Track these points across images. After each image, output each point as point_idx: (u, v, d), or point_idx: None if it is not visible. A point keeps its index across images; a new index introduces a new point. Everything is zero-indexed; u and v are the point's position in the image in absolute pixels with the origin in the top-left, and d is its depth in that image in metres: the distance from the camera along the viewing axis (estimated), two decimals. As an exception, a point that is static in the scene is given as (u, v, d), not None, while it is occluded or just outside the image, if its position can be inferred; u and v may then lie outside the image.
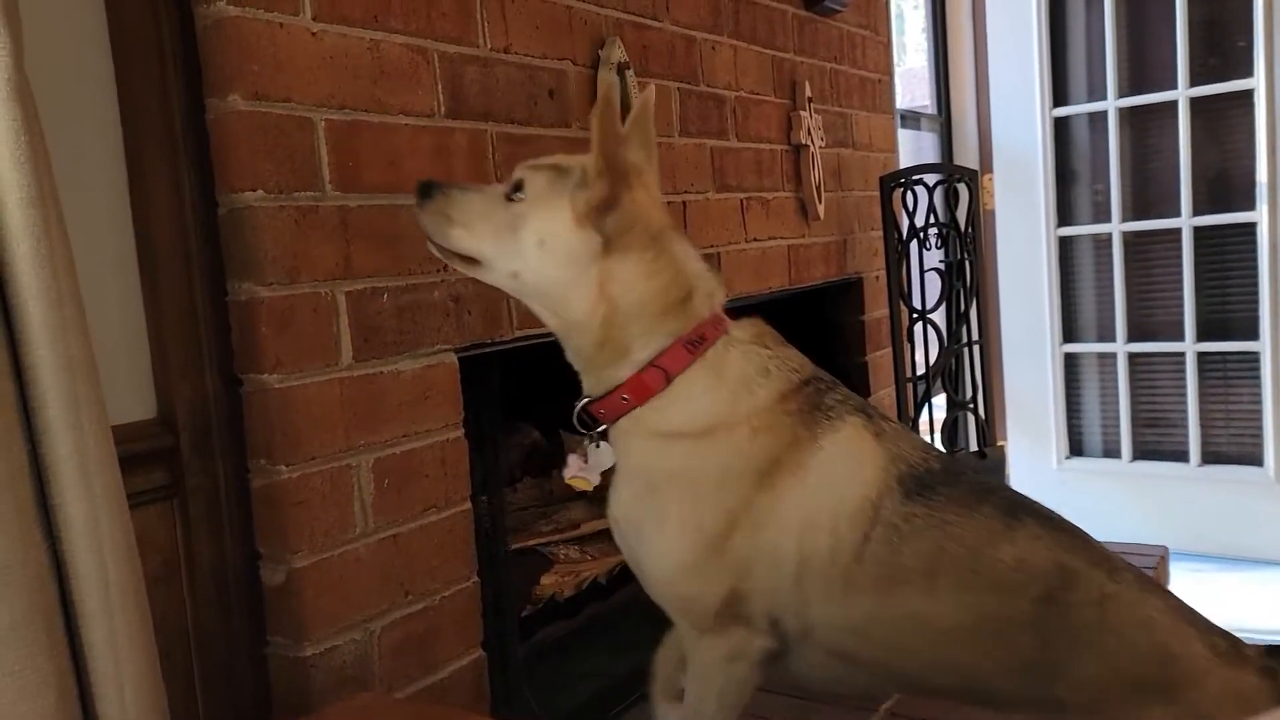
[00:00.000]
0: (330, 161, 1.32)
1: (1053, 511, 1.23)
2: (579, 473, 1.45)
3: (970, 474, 1.24)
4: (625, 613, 2.02)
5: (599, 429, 1.23)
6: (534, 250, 1.18)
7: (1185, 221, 3.27)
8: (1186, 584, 1.14)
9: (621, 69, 1.81)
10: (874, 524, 1.16)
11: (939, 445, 2.71)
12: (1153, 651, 1.11)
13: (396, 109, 1.41)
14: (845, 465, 1.18)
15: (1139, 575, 1.18)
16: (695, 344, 1.19)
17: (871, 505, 1.16)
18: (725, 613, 1.19)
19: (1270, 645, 1.16)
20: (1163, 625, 1.12)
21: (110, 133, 1.22)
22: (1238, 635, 1.17)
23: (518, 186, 1.20)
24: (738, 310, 1.26)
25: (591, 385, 1.23)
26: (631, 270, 1.18)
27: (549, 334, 1.67)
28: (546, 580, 1.88)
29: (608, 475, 1.28)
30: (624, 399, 1.19)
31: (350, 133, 1.35)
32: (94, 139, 1.21)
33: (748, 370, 1.20)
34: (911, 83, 4.54)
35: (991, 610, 1.15)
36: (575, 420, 1.24)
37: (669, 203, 1.94)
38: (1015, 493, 1.26)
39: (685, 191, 2.00)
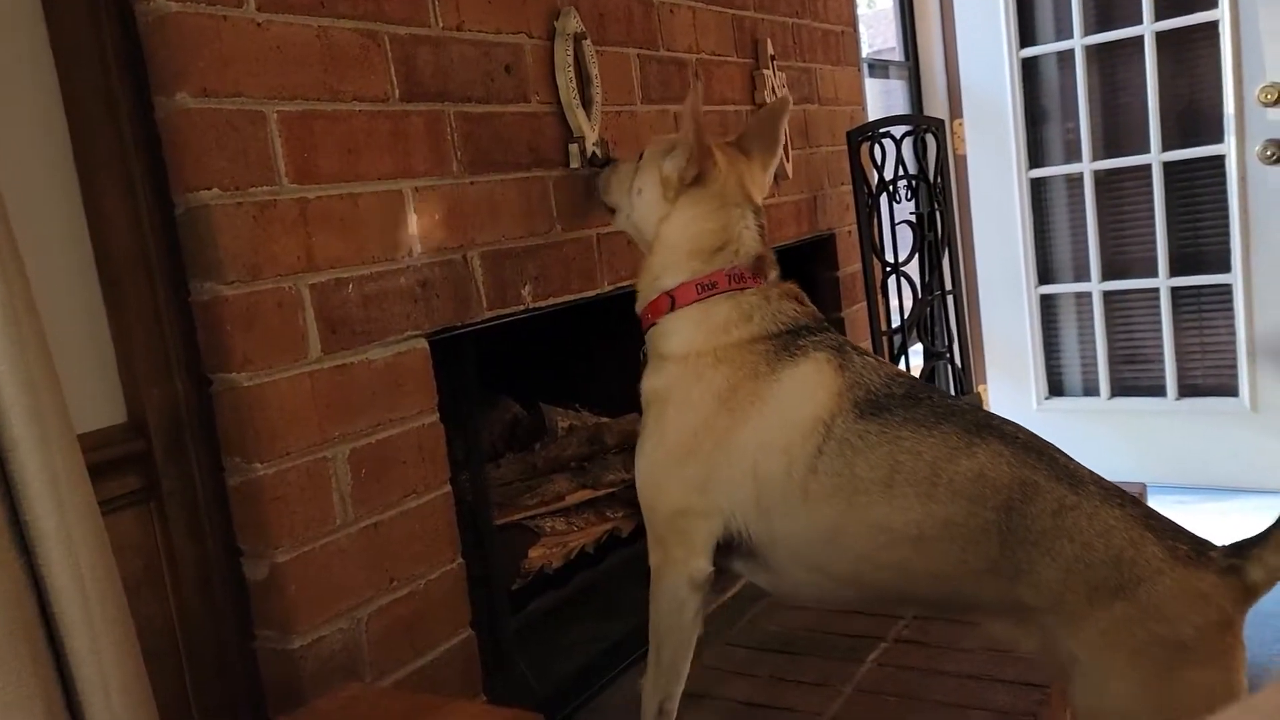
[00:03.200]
0: (285, 154, 1.31)
1: (1024, 430, 1.31)
2: None
3: (937, 398, 1.32)
4: (615, 578, 2.04)
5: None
6: (635, 197, 1.55)
7: (1155, 157, 3.27)
8: (1169, 515, 1.21)
9: (578, 39, 1.78)
10: (826, 439, 1.28)
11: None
12: (1108, 556, 1.19)
13: (350, 95, 1.39)
14: (799, 392, 1.32)
15: (1106, 489, 1.25)
16: (706, 287, 1.41)
17: (823, 424, 1.29)
18: (675, 526, 1.37)
19: (1235, 543, 1.21)
20: (1119, 531, 1.20)
21: (59, 140, 1.21)
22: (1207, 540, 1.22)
23: (641, 155, 1.57)
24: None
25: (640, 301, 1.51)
26: (683, 217, 1.48)
27: (524, 310, 1.68)
28: (534, 553, 1.90)
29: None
30: (647, 315, 1.47)
31: (304, 123, 1.33)
32: (42, 147, 1.19)
33: (732, 315, 1.39)
34: (883, 24, 4.50)
35: (953, 517, 1.24)
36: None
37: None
38: (989, 415, 1.33)
39: (650, 158, 1.99)
